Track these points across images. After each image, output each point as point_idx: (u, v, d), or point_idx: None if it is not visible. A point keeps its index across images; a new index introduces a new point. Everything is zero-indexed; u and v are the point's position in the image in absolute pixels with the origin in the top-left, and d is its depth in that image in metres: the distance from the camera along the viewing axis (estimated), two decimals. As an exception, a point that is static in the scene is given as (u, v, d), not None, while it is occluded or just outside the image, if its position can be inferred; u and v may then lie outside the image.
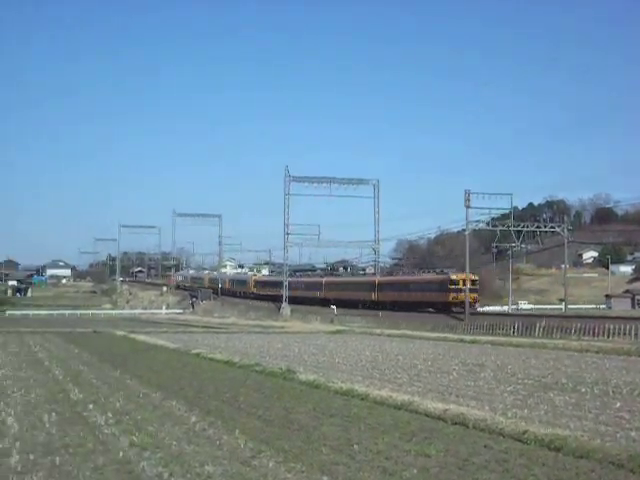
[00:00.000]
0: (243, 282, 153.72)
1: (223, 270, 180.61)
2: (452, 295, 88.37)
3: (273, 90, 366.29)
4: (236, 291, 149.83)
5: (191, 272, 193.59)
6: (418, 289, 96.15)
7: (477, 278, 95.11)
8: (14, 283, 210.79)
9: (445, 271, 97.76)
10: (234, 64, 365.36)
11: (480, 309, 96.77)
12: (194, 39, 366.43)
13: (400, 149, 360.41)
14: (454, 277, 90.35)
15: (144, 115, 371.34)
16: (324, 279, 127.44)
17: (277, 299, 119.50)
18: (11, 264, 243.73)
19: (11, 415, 17.72)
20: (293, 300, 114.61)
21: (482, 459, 13.18)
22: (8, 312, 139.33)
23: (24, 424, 16.57)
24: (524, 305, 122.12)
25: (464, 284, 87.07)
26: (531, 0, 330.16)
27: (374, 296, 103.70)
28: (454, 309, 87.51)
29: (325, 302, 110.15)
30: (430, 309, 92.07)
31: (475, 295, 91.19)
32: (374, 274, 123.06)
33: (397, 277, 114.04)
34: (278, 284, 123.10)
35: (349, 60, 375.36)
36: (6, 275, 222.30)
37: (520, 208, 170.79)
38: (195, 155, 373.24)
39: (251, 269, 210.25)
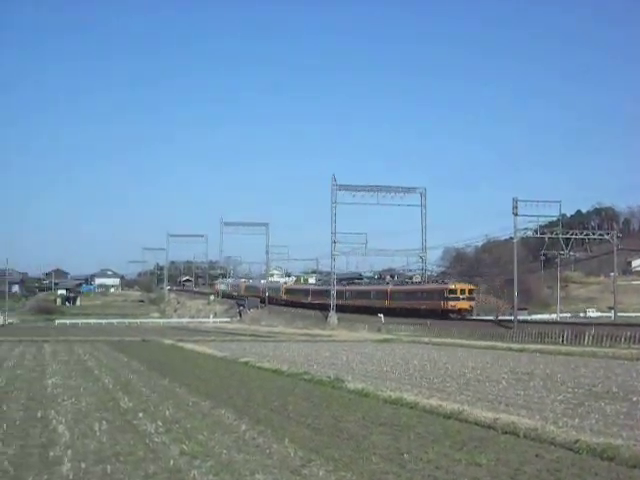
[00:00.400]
0: (276, 290, 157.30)
1: (270, 279, 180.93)
2: (450, 303, 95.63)
3: (323, 97, 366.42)
4: (271, 297, 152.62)
5: (229, 280, 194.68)
6: (422, 297, 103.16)
7: (473, 288, 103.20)
8: (63, 292, 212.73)
9: (446, 281, 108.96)
10: (280, 69, 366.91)
11: (529, 317, 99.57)
12: (249, 40, 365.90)
13: (448, 158, 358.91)
14: (452, 287, 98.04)
15: (192, 123, 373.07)
16: (346, 287, 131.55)
17: (302, 305, 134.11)
18: (60, 273, 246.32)
19: (62, 423, 17.83)
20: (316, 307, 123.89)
21: (534, 468, 13.07)
22: (57, 321, 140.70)
23: (75, 432, 16.66)
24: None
25: (462, 293, 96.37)
26: None
27: (387, 303, 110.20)
28: (452, 315, 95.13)
29: (341, 308, 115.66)
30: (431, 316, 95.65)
31: (471, 303, 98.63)
32: (388, 283, 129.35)
33: (406, 286, 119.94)
34: (303, 291, 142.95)
35: (396, 67, 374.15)
36: (55, 284, 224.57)
37: (568, 216, 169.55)
38: (242, 163, 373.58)
39: (297, 278, 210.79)
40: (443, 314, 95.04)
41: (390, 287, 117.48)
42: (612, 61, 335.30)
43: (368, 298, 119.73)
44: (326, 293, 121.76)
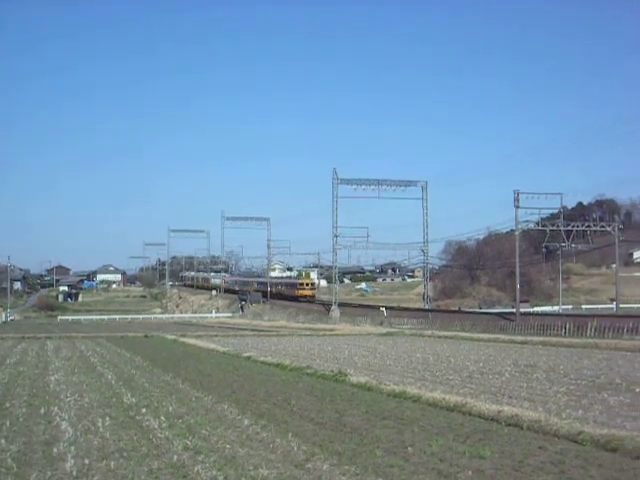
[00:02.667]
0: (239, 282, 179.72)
1: (272, 274, 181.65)
2: (299, 292, 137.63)
3: (323, 91, 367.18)
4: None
5: (223, 275, 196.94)
6: (287, 287, 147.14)
7: (314, 282, 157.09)
8: (65, 289, 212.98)
9: (300, 278, 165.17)
10: (283, 64, 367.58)
11: (531, 309, 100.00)
12: (239, 39, 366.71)
13: (449, 151, 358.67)
14: (301, 281, 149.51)
15: (193, 118, 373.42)
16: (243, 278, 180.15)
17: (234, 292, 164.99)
18: (62, 270, 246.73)
19: (65, 420, 17.83)
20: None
21: (537, 460, 13.09)
22: (60, 317, 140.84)
23: (78, 428, 16.66)
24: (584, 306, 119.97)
25: (307, 285, 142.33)
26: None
27: (272, 290, 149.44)
28: (301, 299, 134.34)
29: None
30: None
31: (313, 291, 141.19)
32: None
33: (280, 280, 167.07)
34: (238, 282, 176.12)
35: (398, 63, 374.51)
36: (57, 281, 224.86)
37: (570, 208, 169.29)
38: (244, 158, 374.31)
39: (299, 272, 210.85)
40: (295, 298, 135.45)
41: (269, 279, 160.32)
42: (613, 51, 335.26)
43: (251, 285, 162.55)
44: (241, 283, 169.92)
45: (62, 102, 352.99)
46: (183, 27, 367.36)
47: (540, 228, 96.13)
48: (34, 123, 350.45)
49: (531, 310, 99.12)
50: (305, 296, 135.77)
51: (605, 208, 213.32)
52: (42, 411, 19.36)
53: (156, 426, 16.83)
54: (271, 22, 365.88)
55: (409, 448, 14.20)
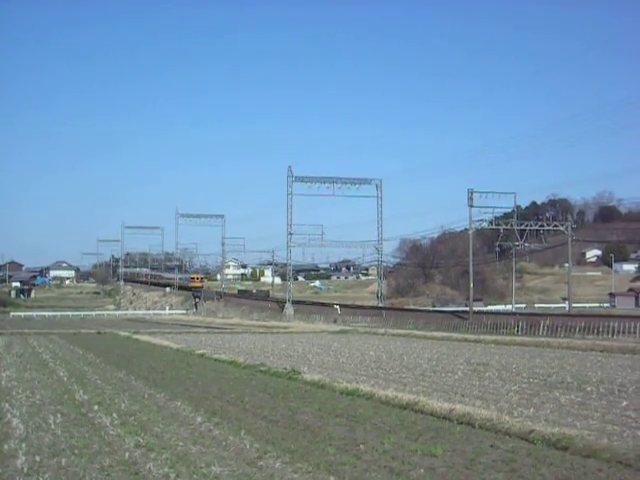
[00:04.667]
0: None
1: (226, 271, 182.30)
2: (193, 284, 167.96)
3: (276, 90, 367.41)
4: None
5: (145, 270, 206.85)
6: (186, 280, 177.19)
7: (203, 276, 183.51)
8: (17, 284, 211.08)
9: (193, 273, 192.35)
10: (236, 63, 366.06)
11: (484, 308, 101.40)
12: (194, 38, 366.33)
13: (402, 149, 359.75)
14: (192, 276, 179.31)
15: (145, 115, 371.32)
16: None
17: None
18: (15, 266, 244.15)
19: (16, 416, 17.69)
20: None
21: (489, 459, 13.16)
22: (12, 313, 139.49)
23: (29, 425, 16.54)
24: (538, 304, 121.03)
25: (197, 279, 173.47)
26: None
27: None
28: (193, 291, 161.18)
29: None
30: None
31: (202, 283, 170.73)
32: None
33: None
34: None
35: (351, 59, 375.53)
36: (9, 277, 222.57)
37: (523, 207, 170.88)
38: (198, 156, 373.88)
39: (254, 270, 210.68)
40: (189, 288, 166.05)
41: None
42: (574, 47, 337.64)
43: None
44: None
45: (27, 101, 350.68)
46: (145, 26, 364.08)
47: (494, 227, 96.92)
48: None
49: (484, 309, 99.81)
50: (197, 288, 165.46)
51: (558, 207, 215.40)
52: (-7, 408, 19.21)
53: (108, 423, 16.74)
54: (225, 19, 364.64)
55: (361, 446, 14.23)
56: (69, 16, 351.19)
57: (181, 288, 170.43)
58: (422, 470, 12.30)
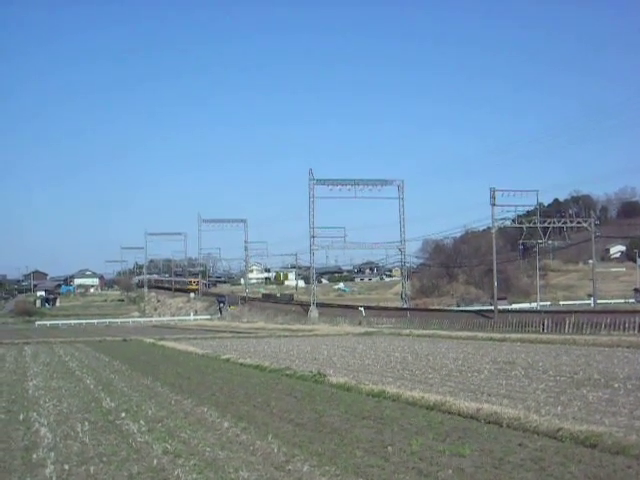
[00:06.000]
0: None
1: (250, 275, 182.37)
2: (189, 287, 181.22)
3: (295, 93, 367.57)
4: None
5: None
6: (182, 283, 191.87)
7: (198, 280, 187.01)
8: (42, 294, 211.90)
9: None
10: (255, 67, 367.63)
11: (509, 307, 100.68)
12: (216, 41, 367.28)
13: (423, 150, 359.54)
14: (189, 280, 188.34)
15: (167, 121, 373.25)
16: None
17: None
18: (39, 275, 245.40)
19: (44, 425, 17.72)
20: None
21: (517, 458, 13.10)
22: (37, 322, 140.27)
23: (57, 434, 16.58)
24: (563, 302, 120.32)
25: (194, 283, 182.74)
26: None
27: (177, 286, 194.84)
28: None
29: None
30: None
31: (198, 287, 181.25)
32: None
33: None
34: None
35: (371, 61, 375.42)
36: (35, 286, 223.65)
37: (546, 205, 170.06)
38: (219, 160, 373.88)
39: (277, 274, 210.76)
40: (186, 290, 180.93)
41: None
42: (594, 47, 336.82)
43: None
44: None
45: (44, 107, 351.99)
46: (164, 30, 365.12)
47: (517, 225, 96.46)
48: (14, 128, 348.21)
49: (509, 307, 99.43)
50: (193, 290, 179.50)
51: (581, 204, 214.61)
52: (21, 417, 19.27)
53: (135, 430, 16.75)
54: (240, 23, 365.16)
55: (389, 447, 14.19)
56: (88, 19, 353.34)
57: (205, 294, 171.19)
58: (450, 471, 12.25)
